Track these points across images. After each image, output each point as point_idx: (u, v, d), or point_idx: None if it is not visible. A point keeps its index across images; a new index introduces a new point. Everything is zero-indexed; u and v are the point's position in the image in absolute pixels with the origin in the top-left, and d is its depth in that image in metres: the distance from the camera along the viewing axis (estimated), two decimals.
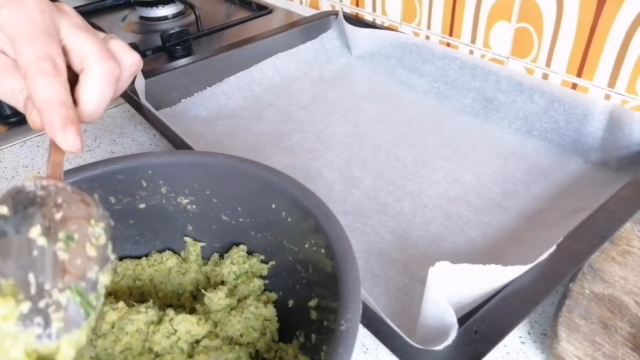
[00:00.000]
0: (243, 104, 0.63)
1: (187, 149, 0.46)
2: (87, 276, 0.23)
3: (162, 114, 0.56)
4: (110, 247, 0.25)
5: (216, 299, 0.33)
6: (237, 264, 0.35)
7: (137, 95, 0.56)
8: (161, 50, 0.75)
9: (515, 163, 0.51)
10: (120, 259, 0.37)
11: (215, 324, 0.32)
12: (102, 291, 0.24)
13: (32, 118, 0.26)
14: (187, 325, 0.31)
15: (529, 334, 0.35)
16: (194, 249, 0.38)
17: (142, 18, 0.90)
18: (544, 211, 0.45)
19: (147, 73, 0.60)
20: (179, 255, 0.38)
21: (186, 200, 0.36)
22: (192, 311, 0.34)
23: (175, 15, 0.90)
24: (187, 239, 0.38)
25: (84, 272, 0.23)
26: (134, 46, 0.71)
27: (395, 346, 0.30)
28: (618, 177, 0.46)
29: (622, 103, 0.55)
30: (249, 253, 0.36)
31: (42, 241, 0.22)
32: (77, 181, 0.33)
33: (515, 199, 0.47)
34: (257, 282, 0.35)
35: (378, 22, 0.79)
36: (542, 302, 0.32)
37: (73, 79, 0.27)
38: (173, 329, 0.30)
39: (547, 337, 0.35)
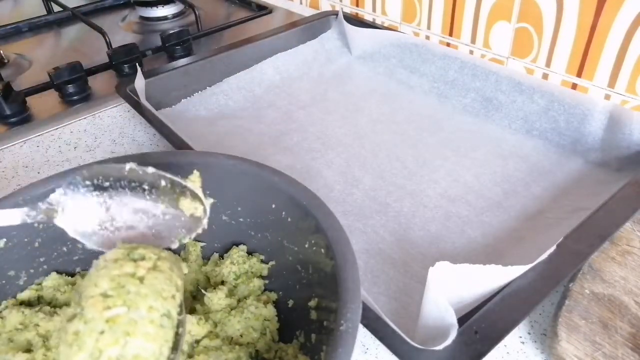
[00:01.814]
0: (243, 104, 0.63)
1: (187, 149, 0.46)
2: None
3: (162, 114, 0.56)
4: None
5: (216, 299, 0.33)
6: (237, 264, 0.35)
7: (137, 95, 0.56)
8: (161, 50, 0.75)
9: (515, 163, 0.51)
10: None
11: (215, 324, 0.32)
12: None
13: None
14: (187, 326, 0.31)
15: (529, 334, 0.35)
16: (194, 249, 0.37)
17: (142, 18, 0.90)
18: (544, 211, 0.45)
19: (147, 73, 0.60)
20: (179, 255, 0.38)
21: None
22: (192, 311, 0.34)
23: (175, 15, 0.90)
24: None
25: None
26: (133, 46, 0.71)
27: (395, 346, 0.30)
28: (618, 177, 0.46)
29: (622, 103, 0.55)
30: (249, 253, 0.36)
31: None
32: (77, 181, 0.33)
33: (515, 199, 0.47)
34: (257, 282, 0.35)
35: (378, 22, 0.79)
36: (542, 302, 0.32)
37: None
38: None
39: (547, 337, 0.35)
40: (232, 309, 0.33)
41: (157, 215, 0.30)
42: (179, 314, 0.27)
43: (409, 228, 0.44)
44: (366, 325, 0.31)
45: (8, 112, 0.62)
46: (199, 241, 0.38)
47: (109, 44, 0.71)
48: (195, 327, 0.31)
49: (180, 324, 0.26)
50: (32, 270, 0.34)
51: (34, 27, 0.88)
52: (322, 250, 0.29)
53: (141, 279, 0.26)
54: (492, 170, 0.50)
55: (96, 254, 0.37)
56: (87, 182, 0.29)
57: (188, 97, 0.62)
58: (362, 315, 0.25)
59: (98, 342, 0.23)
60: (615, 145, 0.48)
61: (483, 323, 0.31)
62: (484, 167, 0.51)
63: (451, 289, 0.29)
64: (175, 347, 0.26)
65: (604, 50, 0.54)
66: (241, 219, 0.36)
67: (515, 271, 0.31)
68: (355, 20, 0.72)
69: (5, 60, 0.77)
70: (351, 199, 0.47)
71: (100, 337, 0.23)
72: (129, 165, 0.29)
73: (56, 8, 0.90)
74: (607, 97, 0.56)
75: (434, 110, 0.60)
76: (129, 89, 0.57)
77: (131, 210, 0.30)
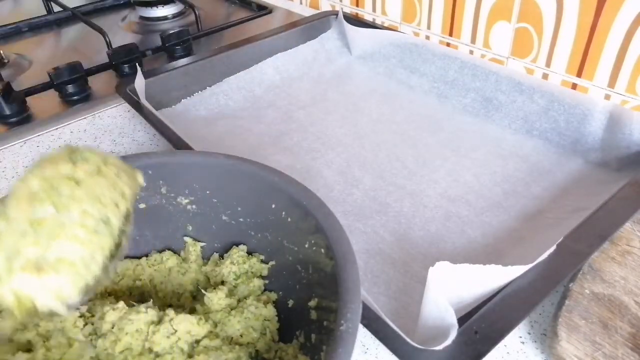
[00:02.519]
0: (243, 104, 0.63)
1: (187, 149, 0.46)
2: None
3: (162, 114, 0.56)
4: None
5: (216, 299, 0.33)
6: (237, 264, 0.35)
7: (137, 95, 0.56)
8: (161, 50, 0.75)
9: (515, 163, 0.51)
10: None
11: (215, 324, 0.32)
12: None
13: None
14: (187, 325, 0.31)
15: (529, 334, 0.35)
16: (194, 249, 0.38)
17: (142, 18, 0.90)
18: (544, 211, 0.45)
19: (147, 73, 0.60)
20: (179, 255, 0.38)
21: (186, 200, 0.36)
22: (192, 311, 0.34)
23: (175, 15, 0.90)
24: (187, 239, 0.38)
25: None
26: (133, 46, 0.71)
27: (395, 346, 0.30)
28: (618, 177, 0.46)
29: (622, 103, 0.55)
30: (249, 253, 0.36)
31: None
32: None
33: (515, 199, 0.47)
34: (257, 282, 0.35)
35: (378, 22, 0.79)
36: (542, 302, 0.32)
37: None
38: (173, 329, 0.30)
39: (547, 337, 0.35)
40: (232, 309, 0.33)
41: None
42: (124, 224, 0.25)
43: (409, 228, 0.44)
44: (366, 325, 0.31)
45: (8, 112, 0.62)
46: (199, 241, 0.38)
47: (109, 44, 0.71)
48: (195, 327, 0.31)
49: (123, 235, 0.25)
50: None
51: (34, 27, 0.88)
52: (322, 250, 0.29)
53: (78, 182, 0.24)
54: (492, 170, 0.50)
55: None
56: None
57: (188, 97, 0.62)
58: (362, 315, 0.25)
59: (17, 243, 0.22)
60: (615, 145, 0.48)
61: (483, 323, 0.31)
62: (484, 167, 0.51)
63: (451, 289, 0.29)
64: (112, 256, 0.24)
65: (604, 50, 0.54)
66: (241, 219, 0.36)
67: (515, 271, 0.31)
68: (355, 20, 0.72)
69: (5, 60, 0.77)
70: (351, 199, 0.47)
71: (21, 238, 0.22)
72: None
73: (56, 8, 0.90)
74: (607, 97, 0.56)
75: (434, 110, 0.60)
76: (129, 89, 0.57)
77: None
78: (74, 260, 0.23)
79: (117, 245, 0.25)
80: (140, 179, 0.28)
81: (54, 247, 0.22)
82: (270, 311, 0.33)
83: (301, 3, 0.94)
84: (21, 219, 0.22)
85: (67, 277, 0.22)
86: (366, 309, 0.29)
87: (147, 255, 0.38)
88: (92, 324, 0.31)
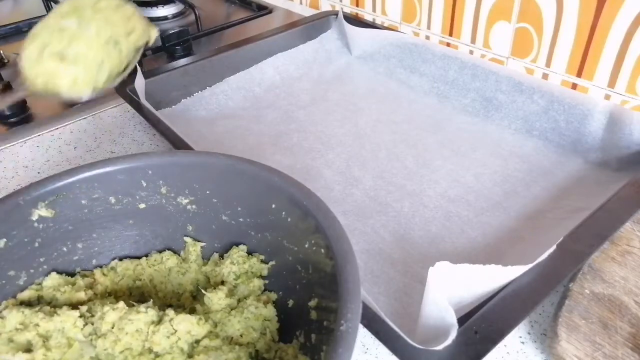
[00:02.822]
0: (243, 104, 0.63)
1: (187, 149, 0.46)
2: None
3: (162, 114, 0.56)
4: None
5: (216, 299, 0.33)
6: (237, 264, 0.35)
7: (137, 95, 0.56)
8: (161, 50, 0.75)
9: (515, 163, 0.51)
10: (120, 259, 0.37)
11: (215, 324, 0.32)
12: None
13: None
14: (187, 325, 0.31)
15: (529, 334, 0.35)
16: (194, 249, 0.37)
17: None
18: (544, 211, 0.45)
19: (147, 73, 0.60)
20: (179, 255, 0.38)
21: (186, 200, 0.36)
22: (192, 311, 0.34)
23: (175, 15, 0.90)
24: (187, 239, 0.38)
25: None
26: None
27: (395, 346, 0.30)
28: (618, 177, 0.46)
29: (622, 103, 0.55)
30: (249, 253, 0.36)
31: None
32: (77, 181, 0.33)
33: (515, 199, 0.47)
34: (257, 282, 0.35)
35: (378, 22, 0.79)
36: (542, 302, 0.32)
37: None
38: (173, 329, 0.30)
39: (547, 337, 0.35)
40: (232, 309, 0.33)
41: None
42: (133, 54, 0.40)
43: (409, 228, 0.44)
44: (366, 325, 0.31)
45: (8, 112, 0.62)
46: (199, 241, 0.38)
47: None
48: (195, 327, 0.31)
49: (133, 59, 0.40)
50: (32, 270, 0.34)
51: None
52: (322, 250, 0.29)
53: (98, 10, 0.36)
54: (492, 170, 0.50)
55: (96, 255, 0.37)
56: None
57: (188, 97, 0.62)
58: (362, 315, 0.25)
59: (47, 39, 0.34)
60: (615, 145, 0.48)
61: (483, 323, 0.31)
62: (484, 167, 0.51)
63: (451, 289, 0.29)
64: (119, 73, 0.39)
65: (604, 50, 0.54)
66: (241, 219, 0.36)
67: (515, 271, 0.31)
68: (355, 20, 0.72)
69: (5, 60, 0.77)
70: (351, 199, 0.47)
71: (50, 37, 0.34)
72: None
73: None
74: (607, 97, 0.56)
75: (434, 110, 0.60)
76: (129, 89, 0.57)
77: None
78: (88, 59, 0.34)
79: (125, 67, 0.38)
80: (154, 31, 0.43)
81: (73, 47, 0.34)
82: (270, 311, 0.33)
83: (301, 3, 0.94)
84: (52, 26, 0.34)
85: (82, 69, 0.34)
86: (366, 309, 0.29)
87: (147, 255, 0.38)
88: (92, 324, 0.31)
